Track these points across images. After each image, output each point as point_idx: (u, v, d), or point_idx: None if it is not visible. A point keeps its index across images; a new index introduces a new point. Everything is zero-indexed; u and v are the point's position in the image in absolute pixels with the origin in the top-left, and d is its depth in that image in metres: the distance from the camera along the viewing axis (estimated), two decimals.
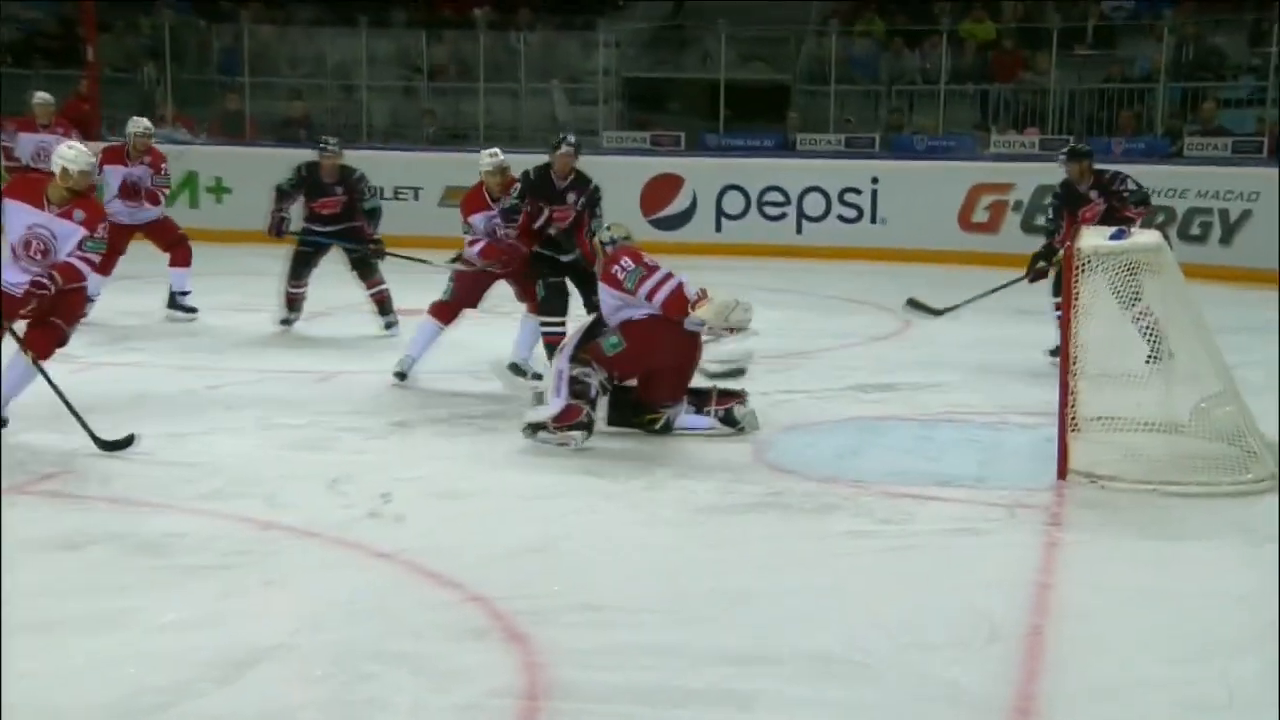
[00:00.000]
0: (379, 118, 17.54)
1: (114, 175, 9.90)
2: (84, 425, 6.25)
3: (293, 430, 6.90)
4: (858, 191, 15.02)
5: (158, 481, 5.90)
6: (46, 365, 6.48)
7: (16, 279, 6.51)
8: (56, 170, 6.54)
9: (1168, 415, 6.28)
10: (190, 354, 8.94)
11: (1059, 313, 7.59)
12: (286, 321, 9.78)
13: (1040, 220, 8.20)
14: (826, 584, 4.85)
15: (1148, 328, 6.30)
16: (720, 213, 15.08)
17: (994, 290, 8.41)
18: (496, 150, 8.36)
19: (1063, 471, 6.13)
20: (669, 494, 5.98)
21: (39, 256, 6.53)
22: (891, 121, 16.54)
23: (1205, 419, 6.26)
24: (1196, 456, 6.09)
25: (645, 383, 6.85)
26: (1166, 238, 6.70)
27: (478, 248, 8.12)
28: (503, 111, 17.54)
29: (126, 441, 6.23)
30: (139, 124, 10.19)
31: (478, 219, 8.19)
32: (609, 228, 7.08)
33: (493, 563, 4.99)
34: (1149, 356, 6.25)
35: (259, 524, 5.36)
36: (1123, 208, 8.37)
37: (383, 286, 9.78)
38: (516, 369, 8.04)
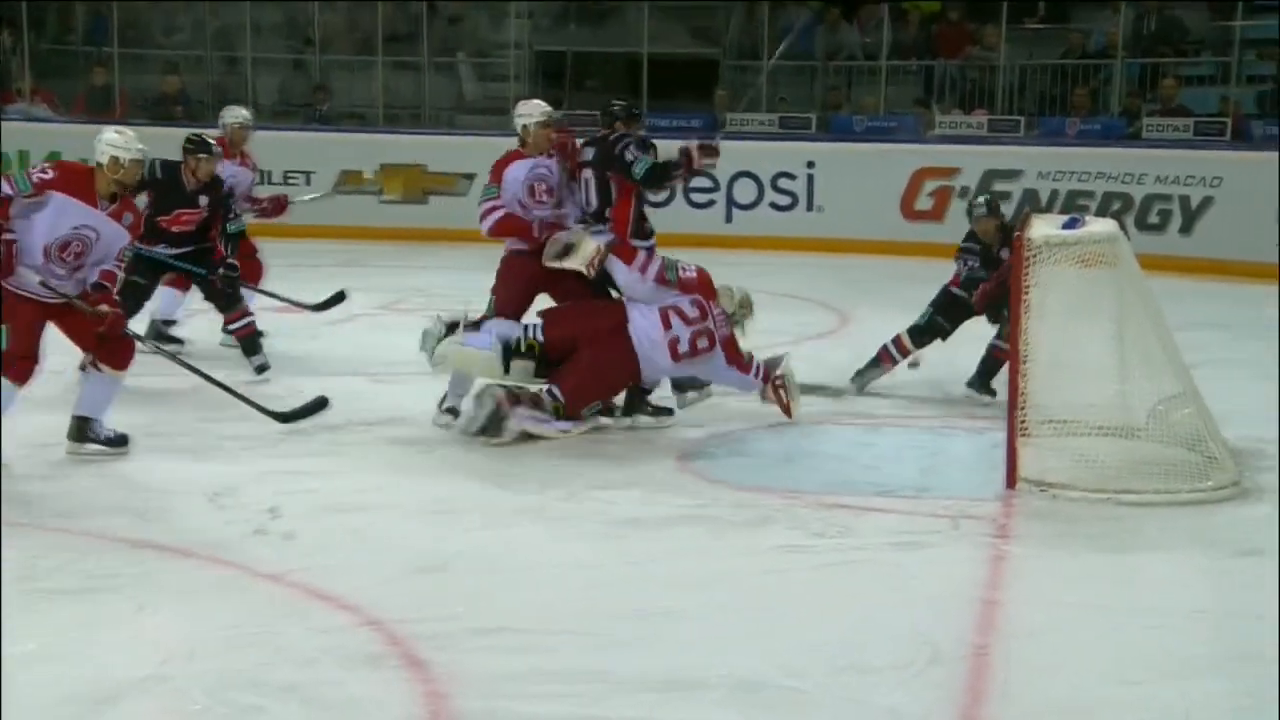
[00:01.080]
0: (265, 94, 17.38)
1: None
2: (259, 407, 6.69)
3: (168, 439, 6.83)
4: (792, 176, 15.12)
5: (18, 497, 5.82)
6: None
7: (27, 282, 6.17)
8: (104, 160, 6.29)
9: (1123, 419, 6.39)
10: (53, 355, 8.79)
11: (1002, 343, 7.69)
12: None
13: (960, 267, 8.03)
14: (757, 603, 4.88)
15: None
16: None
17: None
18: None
19: (1011, 480, 6.21)
20: (586, 506, 5.99)
21: (72, 260, 6.24)
22: (829, 100, 16.67)
23: (1163, 422, 6.38)
24: (1153, 463, 6.20)
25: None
26: (1122, 226, 6.81)
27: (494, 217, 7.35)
28: (403, 88, 17.46)
29: (317, 405, 6.91)
30: (237, 113, 9.29)
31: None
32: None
33: (390, 583, 4.97)
34: None
35: (129, 543, 5.31)
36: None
37: (248, 320, 8.43)
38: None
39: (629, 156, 7.28)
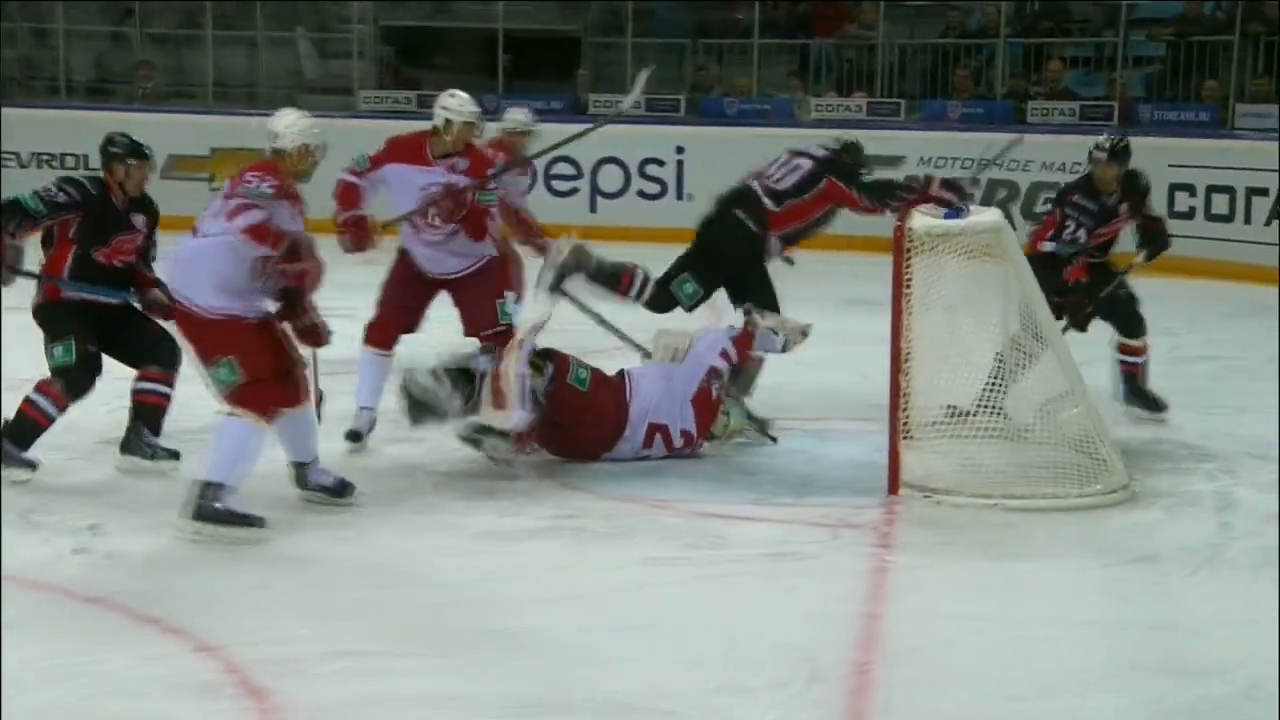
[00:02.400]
0: (80, 71, 17.05)
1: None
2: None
3: None
4: (660, 163, 15.20)
5: None
6: None
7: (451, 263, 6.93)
8: (440, 123, 6.91)
9: (1010, 420, 6.51)
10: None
11: (1126, 356, 7.77)
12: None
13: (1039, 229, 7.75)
14: (625, 620, 4.90)
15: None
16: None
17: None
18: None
19: (894, 485, 6.31)
20: (440, 517, 5.97)
21: (437, 224, 6.99)
22: (698, 81, 16.77)
23: (1051, 423, 6.51)
24: (1041, 466, 6.33)
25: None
26: (1008, 216, 6.93)
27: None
28: (235, 65, 17.24)
29: None
30: (518, 117, 9.06)
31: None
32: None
33: (225, 605, 4.92)
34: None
35: None
36: (1154, 225, 7.78)
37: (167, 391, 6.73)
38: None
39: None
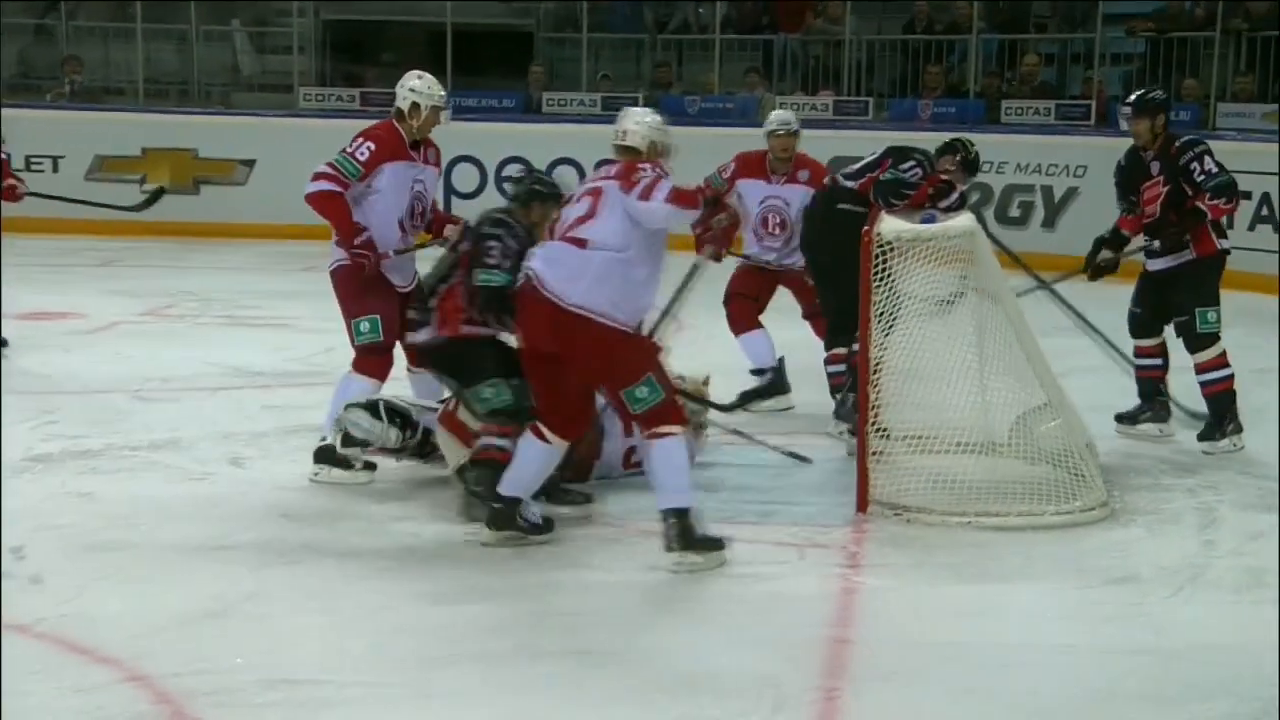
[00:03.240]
0: (4, 65, 16.93)
1: (754, 193, 8.47)
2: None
3: None
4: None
5: None
6: None
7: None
8: (405, 106, 6.89)
9: (984, 433, 6.54)
10: None
11: (1145, 361, 7.75)
12: None
13: None
14: (580, 644, 4.89)
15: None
16: (449, 190, 15.06)
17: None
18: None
19: (863, 503, 6.32)
20: (385, 539, 5.95)
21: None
22: (657, 78, 16.79)
23: (1027, 437, 6.54)
24: (1017, 481, 6.36)
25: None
26: (981, 220, 6.96)
27: None
28: (168, 60, 17.17)
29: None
30: (785, 117, 8.59)
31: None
32: None
33: (159, 632, 4.88)
34: None
35: None
36: (1195, 195, 7.43)
37: None
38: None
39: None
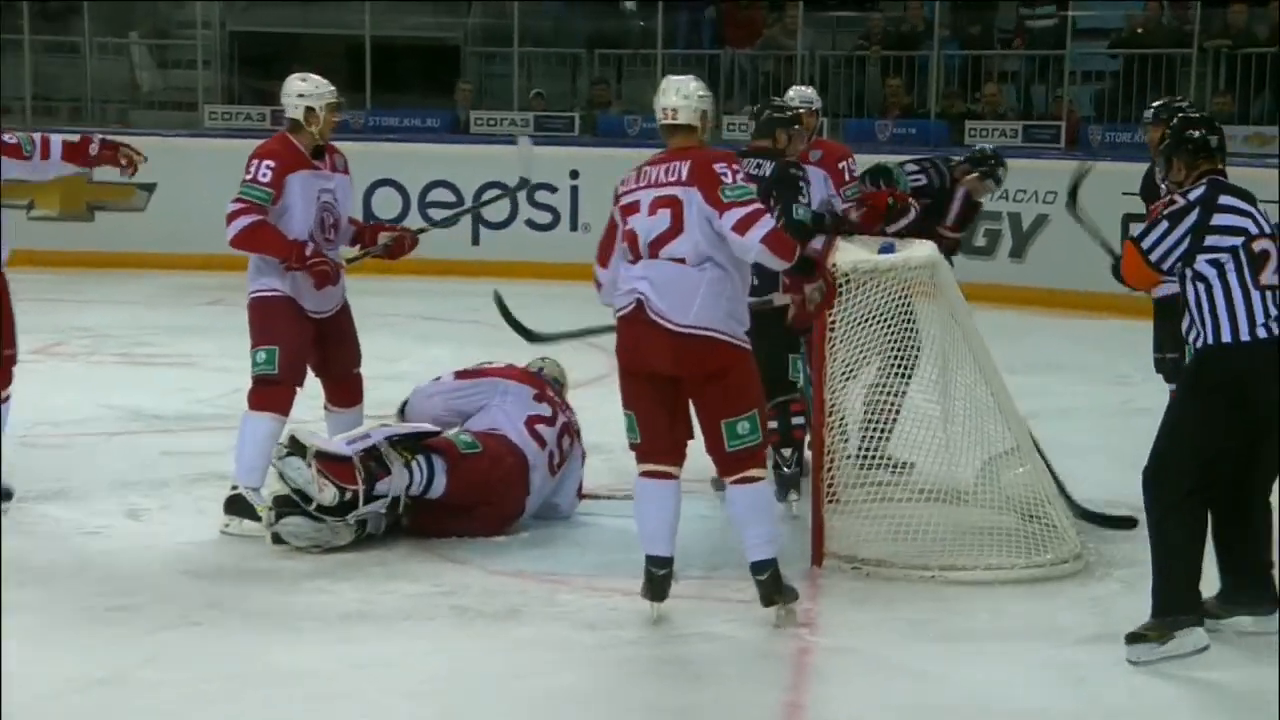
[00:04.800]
0: None
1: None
2: None
3: None
4: (552, 189, 15.22)
5: None
6: None
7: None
8: (298, 114, 6.89)
9: (948, 480, 6.57)
10: None
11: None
12: None
13: None
14: (511, 712, 4.89)
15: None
16: (369, 215, 15.04)
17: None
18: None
19: (818, 556, 6.34)
20: (302, 597, 5.91)
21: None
22: (594, 96, 16.84)
23: (994, 484, 6.56)
24: (984, 532, 6.39)
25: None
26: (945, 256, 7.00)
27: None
28: (59, 75, 17.09)
29: None
30: (806, 98, 8.37)
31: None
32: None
33: (47, 701, 4.84)
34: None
35: None
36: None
37: None
38: None
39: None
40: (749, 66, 16.81)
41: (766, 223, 5.61)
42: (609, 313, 5.97)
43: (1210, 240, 5.37)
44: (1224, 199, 5.44)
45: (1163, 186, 6.83)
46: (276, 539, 6.52)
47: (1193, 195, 5.47)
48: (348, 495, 6.45)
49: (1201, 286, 5.37)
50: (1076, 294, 13.11)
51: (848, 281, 6.42)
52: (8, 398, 6.89)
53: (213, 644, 5.44)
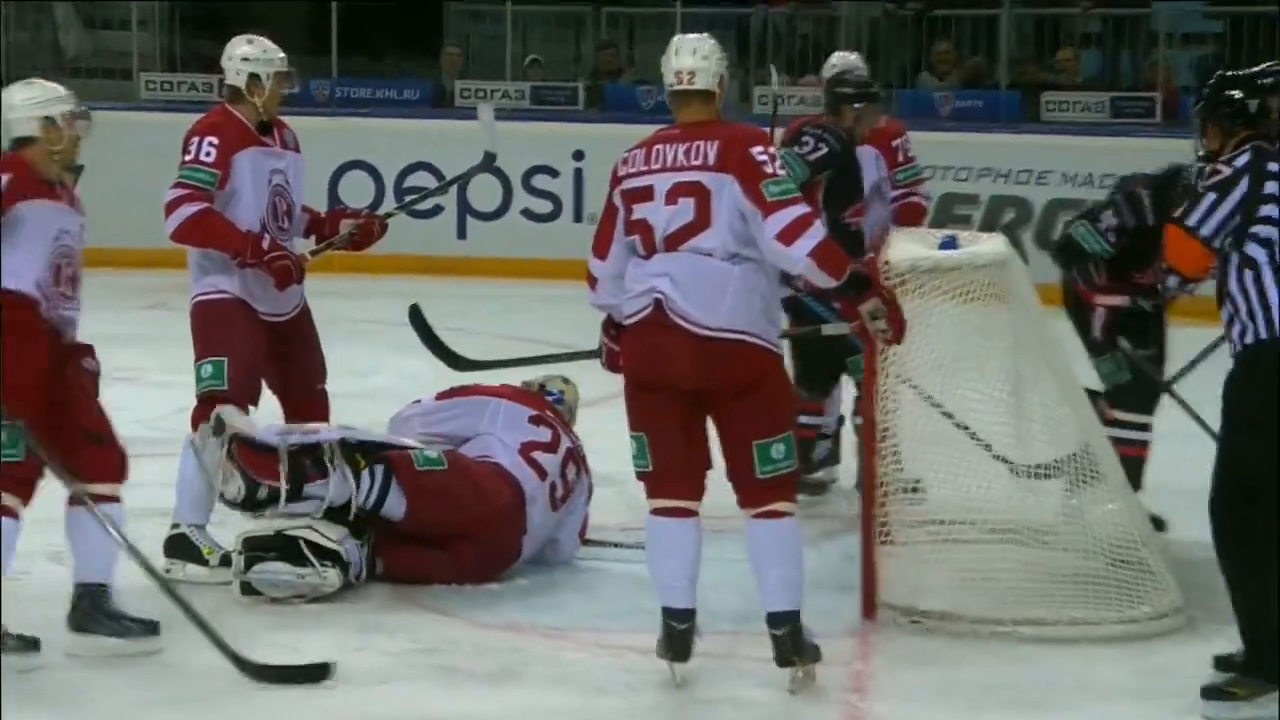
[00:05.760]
0: None
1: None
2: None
3: None
4: (553, 173, 15.26)
5: None
6: None
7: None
8: (240, 82, 6.86)
9: (1025, 517, 6.54)
10: None
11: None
12: None
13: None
14: None
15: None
16: (336, 203, 15.06)
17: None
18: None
19: (869, 607, 6.33)
20: (261, 653, 5.87)
21: None
22: (601, 63, 16.84)
23: (1079, 522, 6.54)
24: (1068, 579, 6.36)
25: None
26: (1016, 244, 6.99)
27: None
28: None
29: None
30: (849, 66, 8.57)
31: None
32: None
33: None
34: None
35: None
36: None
37: None
38: None
39: None
40: (785, 28, 16.81)
41: (816, 231, 5.54)
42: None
43: (1264, 211, 5.34)
44: (1272, 165, 5.42)
45: (1193, 169, 6.89)
46: (247, 589, 6.51)
47: (1239, 162, 5.46)
48: (261, 493, 6.45)
49: (1250, 275, 5.36)
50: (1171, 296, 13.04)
51: (903, 283, 6.38)
52: (116, 498, 6.26)
53: (155, 713, 5.43)
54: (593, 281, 5.93)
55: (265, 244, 6.76)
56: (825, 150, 7.65)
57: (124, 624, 5.97)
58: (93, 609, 5.96)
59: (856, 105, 7.64)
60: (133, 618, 6.01)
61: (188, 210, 6.71)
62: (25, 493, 5.95)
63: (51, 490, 7.80)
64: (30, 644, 5.94)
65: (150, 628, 6.00)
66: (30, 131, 6.20)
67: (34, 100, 6.25)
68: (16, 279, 5.94)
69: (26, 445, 5.79)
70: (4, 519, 5.86)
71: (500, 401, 7.12)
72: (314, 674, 5.72)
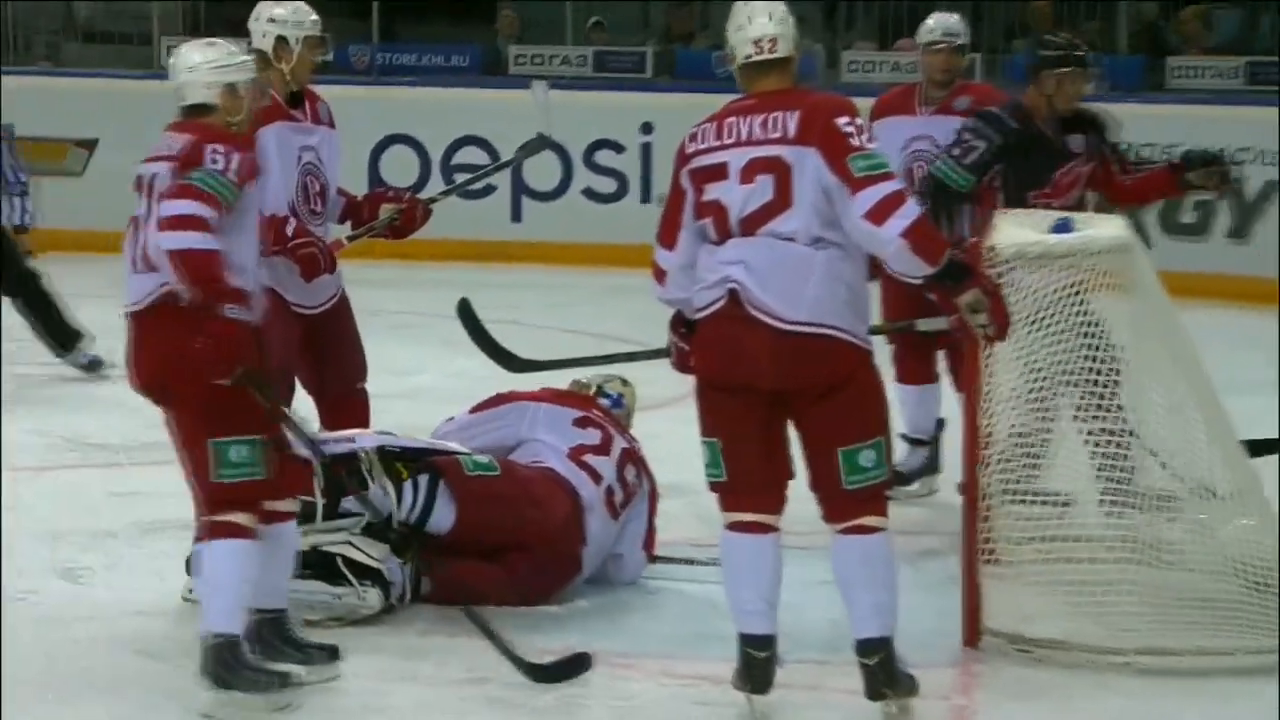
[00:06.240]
0: None
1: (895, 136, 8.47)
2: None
3: None
4: (618, 148, 15.26)
5: None
6: None
7: None
8: (267, 45, 6.89)
9: (1147, 534, 6.51)
10: None
11: None
12: None
13: None
14: None
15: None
16: (377, 182, 15.11)
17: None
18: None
19: (972, 635, 6.33)
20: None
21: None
22: (673, 28, 16.85)
23: (1208, 540, 6.50)
24: (1196, 603, 6.33)
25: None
26: (1139, 229, 6.96)
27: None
28: None
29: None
30: (949, 29, 8.60)
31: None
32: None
33: None
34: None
35: None
36: (1122, 175, 7.92)
37: None
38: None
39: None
40: None
41: (910, 210, 5.51)
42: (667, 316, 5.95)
43: None
44: None
45: None
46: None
47: None
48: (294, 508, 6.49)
49: None
50: None
51: (1010, 270, 6.36)
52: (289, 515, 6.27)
53: None
54: (660, 275, 5.87)
55: (289, 229, 6.77)
56: (983, 147, 7.56)
57: (308, 652, 6.02)
58: (274, 637, 5.99)
59: (1061, 70, 7.56)
60: (316, 644, 6.07)
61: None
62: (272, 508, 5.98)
63: (56, 501, 7.91)
64: (331, 653, 6.09)
65: (332, 653, 6.06)
66: (208, 99, 6.11)
67: (216, 64, 6.14)
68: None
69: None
70: (242, 540, 5.83)
71: (540, 405, 7.14)
72: (578, 666, 5.92)
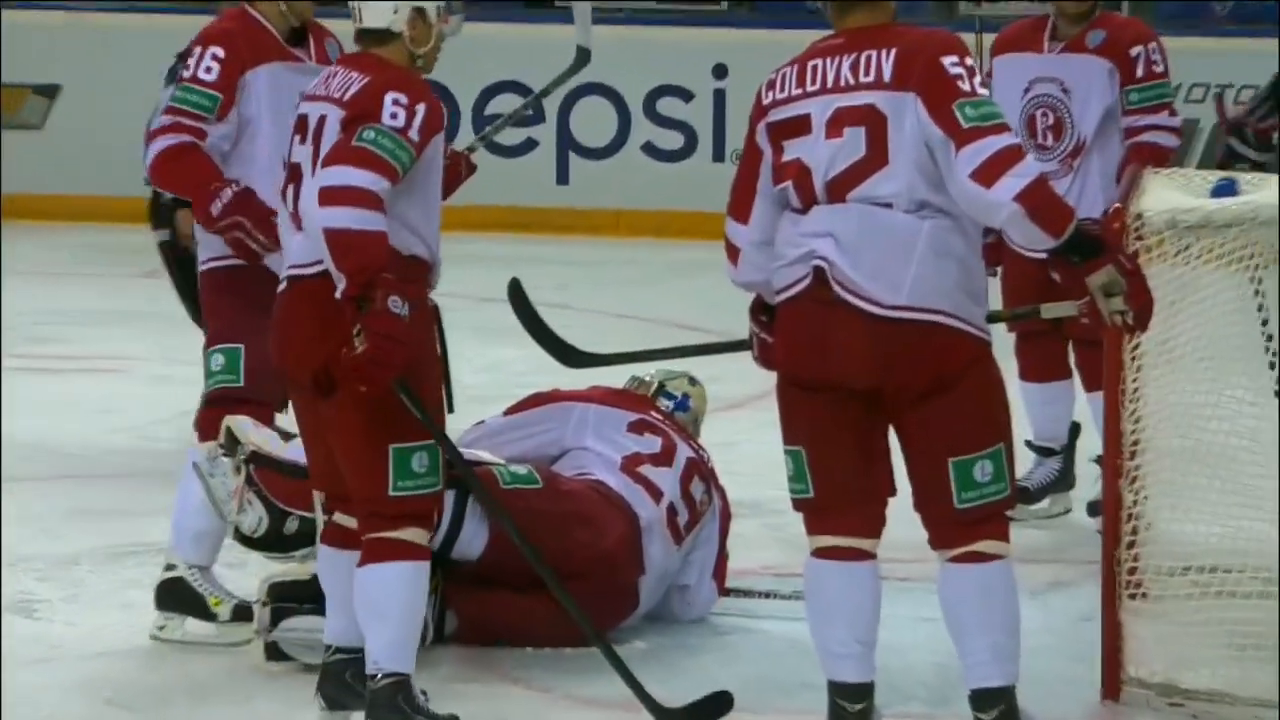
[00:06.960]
0: None
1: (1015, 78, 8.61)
2: None
3: None
4: (686, 95, 15.29)
5: None
6: None
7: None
8: None
9: None
10: None
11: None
12: None
13: None
14: None
15: None
16: None
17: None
18: None
19: (1112, 685, 6.30)
20: None
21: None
22: None
23: None
24: None
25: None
26: None
27: None
28: None
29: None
30: None
31: None
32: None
33: None
34: None
35: None
36: None
37: None
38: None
39: None
40: None
41: (1028, 168, 5.41)
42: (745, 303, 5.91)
43: None
44: None
45: None
46: (274, 652, 6.54)
47: None
48: (290, 525, 6.47)
49: None
50: None
51: (1160, 243, 6.31)
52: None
53: None
54: (734, 253, 5.79)
55: (223, 202, 6.66)
56: None
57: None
58: (358, 681, 5.96)
59: None
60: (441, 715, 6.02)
61: (163, 144, 6.65)
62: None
63: (5, 521, 7.94)
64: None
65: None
66: (392, 24, 6.01)
67: None
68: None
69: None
70: (416, 561, 5.89)
71: (589, 407, 7.12)
72: (719, 707, 5.93)
